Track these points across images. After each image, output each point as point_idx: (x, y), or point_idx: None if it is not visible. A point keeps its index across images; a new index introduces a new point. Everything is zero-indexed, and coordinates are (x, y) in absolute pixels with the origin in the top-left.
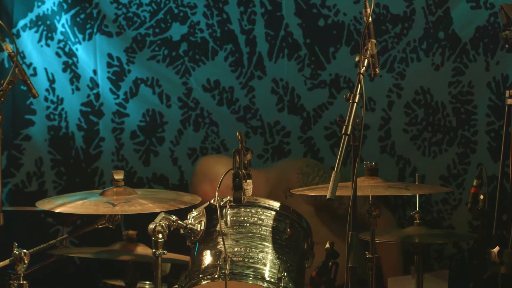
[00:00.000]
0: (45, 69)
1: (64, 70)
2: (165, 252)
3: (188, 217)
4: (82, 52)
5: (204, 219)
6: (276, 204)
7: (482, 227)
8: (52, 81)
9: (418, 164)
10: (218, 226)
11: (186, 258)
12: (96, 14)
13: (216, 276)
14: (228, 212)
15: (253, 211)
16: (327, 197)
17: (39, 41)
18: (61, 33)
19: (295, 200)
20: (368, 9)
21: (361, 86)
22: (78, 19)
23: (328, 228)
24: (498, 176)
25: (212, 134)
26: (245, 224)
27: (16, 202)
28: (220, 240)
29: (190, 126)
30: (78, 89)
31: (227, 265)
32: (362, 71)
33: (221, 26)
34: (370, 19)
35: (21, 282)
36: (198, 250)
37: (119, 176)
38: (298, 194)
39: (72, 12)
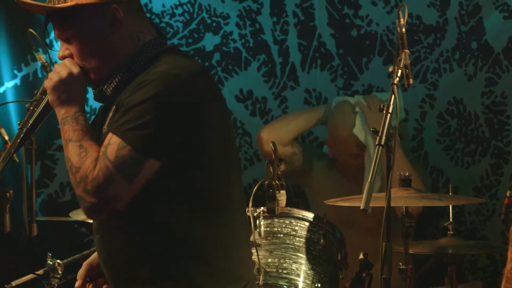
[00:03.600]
0: None
1: None
2: None
3: None
4: None
5: None
6: (310, 215)
7: None
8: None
9: (451, 174)
10: (252, 237)
11: None
12: None
13: None
14: (262, 223)
15: (287, 221)
16: (361, 208)
17: None
18: None
19: None
20: (402, 20)
21: (394, 97)
22: None
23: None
24: None
25: (245, 144)
26: (279, 235)
27: (50, 212)
28: (254, 251)
29: None
30: None
31: (261, 276)
32: (395, 82)
33: (254, 36)
34: (403, 29)
35: None
36: None
37: None
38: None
39: None
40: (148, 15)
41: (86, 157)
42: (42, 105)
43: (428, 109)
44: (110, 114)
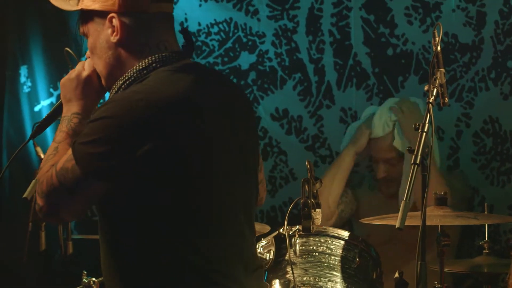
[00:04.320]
0: None
1: None
2: None
3: (257, 246)
4: None
5: (273, 248)
6: (345, 234)
7: None
8: None
9: (486, 193)
10: (287, 255)
11: None
12: None
13: None
14: (297, 241)
15: (322, 240)
16: (396, 226)
17: None
18: None
19: None
20: (437, 38)
21: (430, 115)
22: None
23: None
24: None
25: (281, 163)
26: (314, 254)
27: (85, 230)
28: (289, 269)
29: None
30: None
31: None
32: (431, 100)
33: (289, 55)
34: (439, 48)
35: None
36: (267, 279)
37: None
38: None
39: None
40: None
41: (50, 160)
42: (57, 104)
43: (464, 128)
44: None
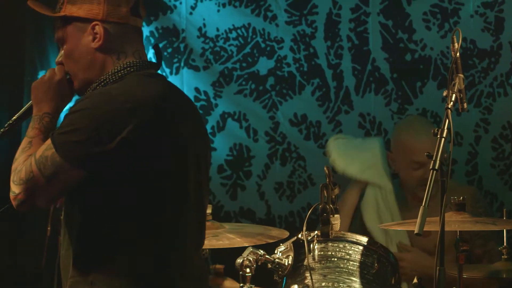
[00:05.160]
0: None
1: None
2: (253, 286)
3: (275, 252)
4: None
5: (291, 254)
6: (364, 239)
7: None
8: None
9: (505, 198)
10: (306, 260)
11: None
12: (183, 48)
13: None
14: (316, 246)
15: (341, 245)
16: (415, 232)
17: None
18: None
19: None
20: (456, 44)
21: (449, 121)
22: (165, 53)
23: None
24: None
25: (299, 168)
26: (333, 259)
27: None
28: (307, 274)
29: (277, 160)
30: None
31: None
32: (450, 106)
33: (308, 60)
34: (457, 53)
35: None
36: (286, 285)
37: (207, 210)
38: None
39: (159, 46)
40: (202, 39)
41: (25, 151)
42: (28, 105)
43: (483, 134)
44: None
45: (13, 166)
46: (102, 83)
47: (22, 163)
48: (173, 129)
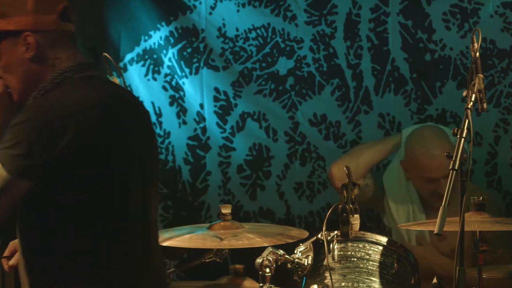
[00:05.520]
0: (152, 103)
1: (171, 104)
2: (272, 286)
3: (295, 252)
4: (189, 86)
5: (311, 254)
6: (384, 239)
7: None
8: (159, 114)
9: None
10: (326, 260)
11: None
12: (203, 48)
13: None
14: (335, 246)
15: (360, 245)
16: (435, 232)
17: (146, 75)
18: (168, 67)
19: None
20: (476, 44)
21: (468, 121)
22: (184, 53)
23: None
24: None
25: (319, 168)
26: (352, 259)
27: None
28: (327, 274)
29: (296, 160)
30: (185, 122)
31: None
32: (469, 106)
33: (327, 60)
34: (477, 54)
35: None
36: (305, 285)
37: (226, 210)
38: None
39: (179, 46)
40: (222, 39)
41: None
42: None
43: (502, 134)
44: None
45: None
46: (41, 92)
47: None
48: (113, 131)
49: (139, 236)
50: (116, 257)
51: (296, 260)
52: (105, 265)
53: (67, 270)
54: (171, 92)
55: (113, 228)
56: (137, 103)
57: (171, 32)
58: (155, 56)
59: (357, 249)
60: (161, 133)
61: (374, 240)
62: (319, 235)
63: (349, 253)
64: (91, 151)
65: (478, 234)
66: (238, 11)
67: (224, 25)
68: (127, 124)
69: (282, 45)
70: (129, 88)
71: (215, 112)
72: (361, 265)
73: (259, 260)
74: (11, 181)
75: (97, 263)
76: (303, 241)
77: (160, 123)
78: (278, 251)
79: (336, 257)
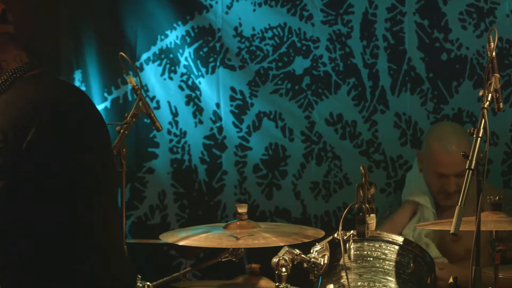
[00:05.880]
0: (168, 102)
1: (187, 103)
2: (289, 286)
3: (311, 251)
4: (205, 85)
5: (327, 253)
6: (400, 239)
7: None
8: (175, 114)
9: None
10: (342, 260)
11: None
12: (219, 48)
13: None
14: (352, 246)
15: (377, 245)
16: (451, 231)
17: (162, 74)
18: (184, 66)
19: None
20: (492, 44)
21: (485, 121)
22: (201, 52)
23: None
24: None
25: (335, 168)
26: (369, 258)
27: (139, 234)
28: (343, 274)
29: (313, 160)
30: (201, 122)
31: None
32: (486, 106)
33: (344, 60)
34: (493, 53)
35: None
36: (322, 284)
37: (242, 209)
38: None
39: (195, 45)
40: (238, 38)
41: None
42: None
43: None
44: None
45: None
46: None
47: None
48: (73, 126)
49: (109, 231)
50: (87, 248)
51: (312, 259)
52: (76, 260)
53: (38, 268)
54: (187, 91)
55: (85, 224)
56: (89, 99)
57: (187, 31)
58: (171, 55)
59: (373, 249)
60: (177, 132)
61: (390, 239)
62: (335, 235)
63: (365, 252)
64: (55, 145)
65: (494, 233)
66: (254, 10)
67: (240, 24)
68: (83, 117)
69: (299, 45)
70: (145, 88)
71: (231, 111)
72: (377, 265)
73: (275, 260)
74: None
75: (69, 258)
76: (319, 240)
77: (176, 122)
78: (294, 251)
79: (352, 257)
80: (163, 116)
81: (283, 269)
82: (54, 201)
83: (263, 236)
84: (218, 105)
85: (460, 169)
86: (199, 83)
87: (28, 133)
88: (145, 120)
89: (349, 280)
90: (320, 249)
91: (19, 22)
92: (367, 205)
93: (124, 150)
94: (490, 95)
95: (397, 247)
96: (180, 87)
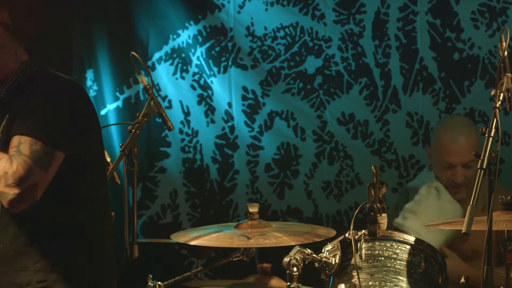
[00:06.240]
0: (180, 101)
1: (199, 103)
2: (300, 285)
3: (323, 251)
4: (217, 84)
5: (339, 253)
6: (411, 238)
7: None
8: (187, 113)
9: None
10: (353, 259)
11: None
12: (231, 47)
13: None
14: (363, 246)
15: (388, 245)
16: (463, 231)
17: (174, 73)
18: (196, 65)
19: None
20: (504, 43)
21: (496, 120)
22: (213, 52)
23: None
24: None
25: (347, 167)
26: (380, 258)
27: (151, 234)
28: (354, 274)
29: (324, 159)
30: (213, 121)
31: None
32: (497, 105)
33: (356, 59)
34: (505, 53)
35: None
36: (333, 284)
37: (254, 209)
38: None
39: (207, 45)
40: (250, 38)
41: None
42: None
43: None
44: (4, 122)
45: None
46: (18, 82)
47: (11, 166)
48: (94, 114)
49: (107, 213)
50: (100, 232)
51: (324, 259)
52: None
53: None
54: (199, 91)
55: (96, 206)
56: None
57: (199, 31)
58: (183, 55)
59: (384, 248)
60: (189, 131)
61: (401, 239)
62: (347, 234)
63: (377, 252)
64: (87, 128)
65: (506, 233)
66: (266, 10)
67: (252, 24)
68: (93, 108)
69: (310, 44)
70: (157, 87)
71: (243, 111)
72: (389, 264)
73: (286, 259)
74: (56, 155)
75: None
76: (330, 240)
77: (188, 121)
78: (305, 250)
79: (363, 256)
80: (175, 115)
81: (295, 269)
82: (85, 178)
83: (274, 236)
84: (230, 104)
85: (467, 159)
86: (211, 82)
87: (74, 116)
88: (157, 119)
89: (361, 279)
90: (331, 248)
91: (32, 21)
92: (378, 204)
93: (135, 149)
94: (502, 94)
95: (408, 247)
96: (192, 86)
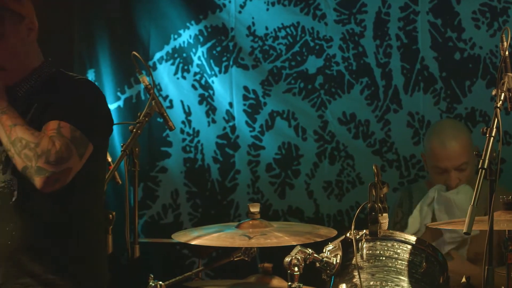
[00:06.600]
0: (181, 101)
1: (200, 103)
2: (301, 285)
3: (324, 250)
4: (218, 84)
5: (340, 253)
6: (412, 238)
7: None
8: (188, 113)
9: None
10: (354, 259)
11: None
12: (232, 47)
13: None
14: (364, 245)
15: (389, 244)
16: (464, 231)
17: (175, 73)
18: (197, 65)
19: None
20: (505, 43)
21: (497, 120)
22: (214, 51)
23: None
24: None
25: (348, 167)
26: (381, 258)
27: (152, 234)
28: (356, 273)
29: (325, 159)
30: (214, 121)
31: None
32: (499, 105)
33: (357, 59)
34: (506, 52)
35: None
36: (334, 284)
37: (255, 209)
38: None
39: (208, 45)
40: (251, 38)
41: (41, 136)
42: None
43: None
44: (32, 111)
45: (38, 150)
46: (42, 77)
47: (54, 145)
48: (109, 114)
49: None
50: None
51: (325, 259)
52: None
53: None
54: (200, 90)
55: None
56: None
57: (200, 30)
58: (184, 54)
59: (385, 248)
60: (190, 131)
61: (402, 239)
62: (348, 234)
63: (378, 252)
64: (109, 125)
65: (507, 233)
66: (267, 9)
67: (253, 23)
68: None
69: (312, 44)
70: (158, 87)
71: (244, 110)
72: (390, 264)
73: (287, 259)
74: (88, 145)
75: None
76: (331, 240)
77: (189, 121)
78: (306, 250)
79: (364, 256)
80: (176, 115)
81: (296, 269)
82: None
83: (275, 236)
84: (231, 104)
85: (459, 162)
86: (212, 82)
87: (107, 114)
88: (158, 119)
89: (362, 279)
90: (332, 248)
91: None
92: (379, 204)
93: (137, 149)
94: (503, 94)
95: (409, 247)
96: (193, 86)
